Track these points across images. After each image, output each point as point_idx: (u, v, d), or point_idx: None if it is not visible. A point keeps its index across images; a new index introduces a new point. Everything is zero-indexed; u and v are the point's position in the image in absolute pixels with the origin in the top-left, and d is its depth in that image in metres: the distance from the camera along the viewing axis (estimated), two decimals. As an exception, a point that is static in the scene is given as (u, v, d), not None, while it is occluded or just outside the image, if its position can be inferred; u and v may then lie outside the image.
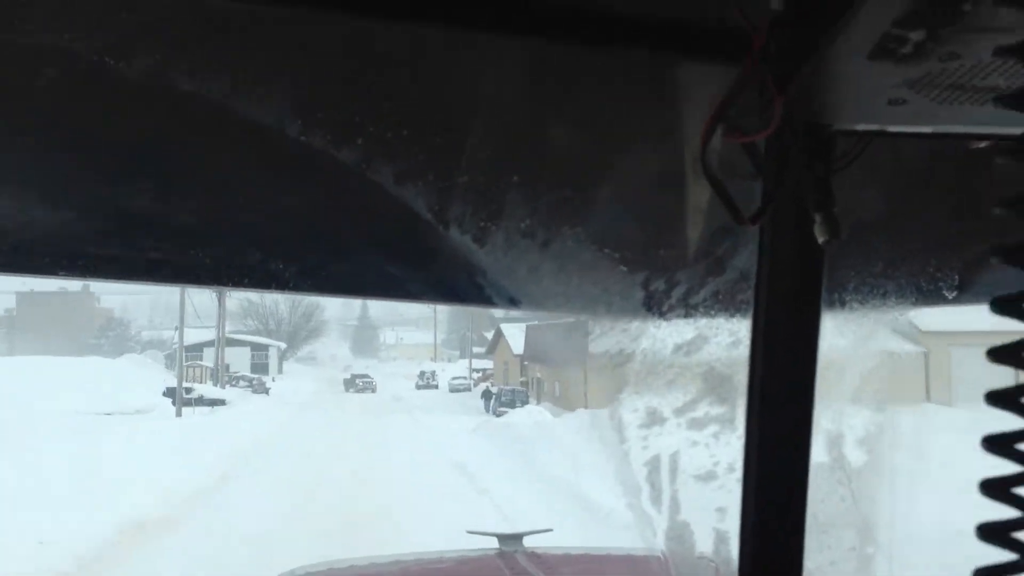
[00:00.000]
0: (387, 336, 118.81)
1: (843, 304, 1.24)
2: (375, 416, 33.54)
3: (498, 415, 34.82)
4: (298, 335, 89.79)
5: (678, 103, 0.97)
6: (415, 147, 1.00)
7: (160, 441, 20.45)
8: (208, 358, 78.06)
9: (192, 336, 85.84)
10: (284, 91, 0.92)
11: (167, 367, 74.91)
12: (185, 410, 30.94)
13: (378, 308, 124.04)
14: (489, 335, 77.63)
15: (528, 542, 3.15)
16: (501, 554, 2.99)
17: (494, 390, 39.20)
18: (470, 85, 0.96)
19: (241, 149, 1.04)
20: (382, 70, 0.91)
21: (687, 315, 1.33)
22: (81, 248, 1.27)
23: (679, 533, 1.24)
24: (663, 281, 1.30)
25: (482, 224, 1.14)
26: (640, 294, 1.31)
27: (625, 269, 1.25)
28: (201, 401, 35.40)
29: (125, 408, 32.81)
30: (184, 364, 72.17)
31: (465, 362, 72.52)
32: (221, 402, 36.95)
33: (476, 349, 74.62)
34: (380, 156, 0.99)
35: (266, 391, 53.38)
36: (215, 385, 45.74)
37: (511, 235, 1.15)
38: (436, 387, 59.44)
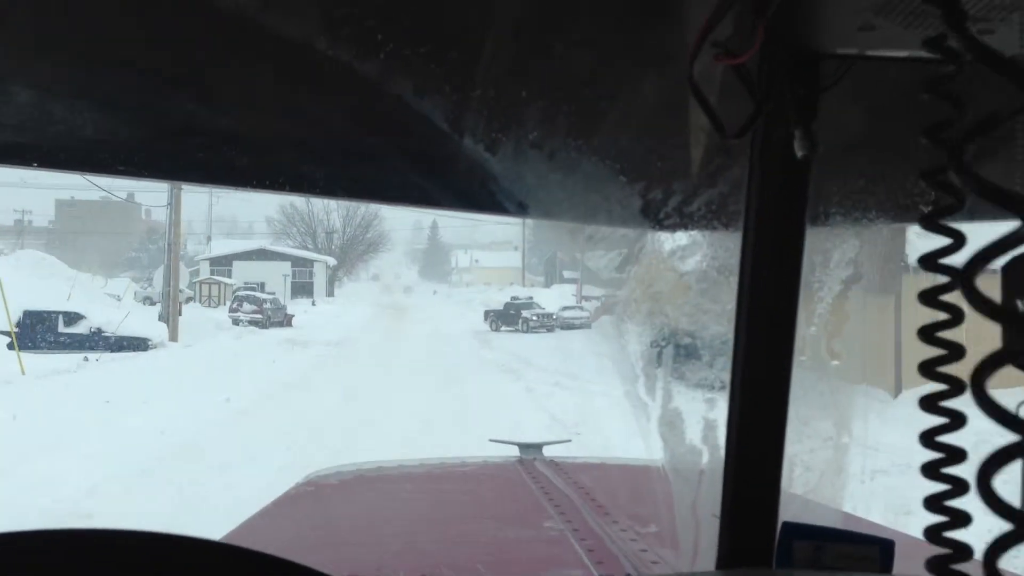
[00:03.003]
0: (460, 258, 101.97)
1: (827, 217, 1.36)
2: (442, 385, 16.14)
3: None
4: (354, 249, 73.68)
5: (676, 25, 1.01)
6: (432, 63, 1.10)
7: None
8: (238, 274, 62.37)
9: (224, 247, 70.70)
10: (312, 9, 1.00)
11: (187, 286, 58.60)
12: (32, 363, 14.18)
13: (449, 231, 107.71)
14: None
15: (548, 452, 3.21)
16: (521, 461, 3.08)
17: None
18: (483, 6, 1.02)
19: (274, 63, 1.12)
20: None
21: (681, 224, 1.47)
22: (121, 149, 1.37)
23: (671, 419, 1.38)
24: (660, 191, 1.42)
25: (494, 135, 1.26)
26: (638, 203, 1.42)
27: (624, 180, 1.36)
28: (95, 342, 18.67)
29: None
30: (196, 280, 56.66)
31: (559, 288, 54.78)
32: (141, 344, 20.14)
33: (566, 274, 59.97)
34: (400, 71, 1.10)
35: (286, 321, 36.47)
36: (207, 308, 28.57)
37: (520, 146, 1.27)
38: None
